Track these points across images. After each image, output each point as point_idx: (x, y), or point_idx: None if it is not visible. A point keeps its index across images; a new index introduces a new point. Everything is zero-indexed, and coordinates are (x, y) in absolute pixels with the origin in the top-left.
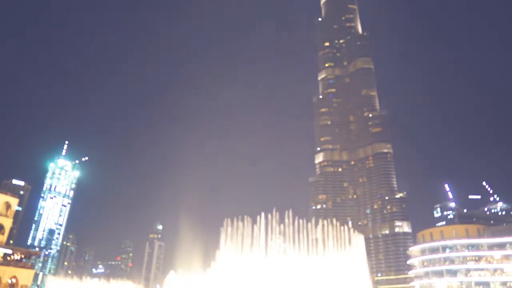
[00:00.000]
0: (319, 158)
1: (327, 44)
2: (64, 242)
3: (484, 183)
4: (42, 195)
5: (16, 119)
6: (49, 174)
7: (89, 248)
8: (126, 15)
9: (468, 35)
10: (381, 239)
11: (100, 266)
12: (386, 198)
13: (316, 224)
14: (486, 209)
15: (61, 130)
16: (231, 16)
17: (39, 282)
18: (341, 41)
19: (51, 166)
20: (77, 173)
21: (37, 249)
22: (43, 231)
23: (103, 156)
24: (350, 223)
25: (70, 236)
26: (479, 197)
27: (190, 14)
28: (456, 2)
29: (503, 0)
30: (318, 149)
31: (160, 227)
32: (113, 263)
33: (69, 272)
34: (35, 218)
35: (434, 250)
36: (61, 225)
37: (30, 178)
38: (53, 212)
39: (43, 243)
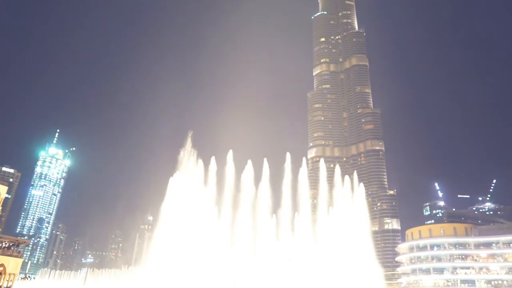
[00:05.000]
0: (311, 153)
1: (323, 39)
2: (54, 231)
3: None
4: (32, 183)
5: (7, 106)
6: (39, 162)
7: (79, 238)
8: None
9: (464, 35)
10: (370, 235)
11: (90, 255)
12: (377, 195)
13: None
14: (474, 208)
15: (53, 118)
16: (227, 7)
17: (27, 271)
18: (337, 37)
19: (42, 154)
20: (68, 162)
21: (25, 237)
22: (32, 219)
23: (95, 145)
24: None
25: (60, 225)
26: (467, 196)
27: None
28: (453, 1)
29: (498, 1)
30: (311, 144)
31: (150, 218)
32: (102, 253)
33: (58, 261)
34: (25, 206)
35: (422, 248)
36: (51, 213)
37: (20, 165)
38: (43, 200)
39: (32, 231)
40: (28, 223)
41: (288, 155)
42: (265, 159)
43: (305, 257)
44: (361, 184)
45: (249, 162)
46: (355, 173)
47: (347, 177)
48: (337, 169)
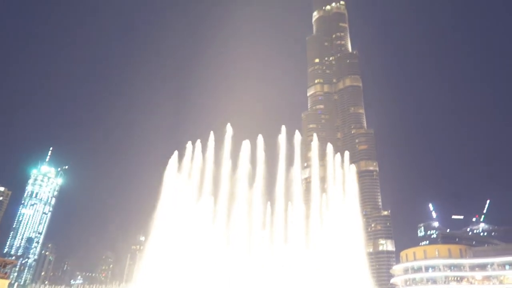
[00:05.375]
0: (305, 174)
1: (317, 60)
2: (43, 251)
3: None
4: (23, 201)
5: None
6: (31, 181)
7: (69, 258)
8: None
9: (457, 55)
10: (365, 256)
11: (79, 277)
12: (371, 215)
13: None
14: (468, 229)
15: (45, 135)
16: (222, 30)
17: None
18: (331, 58)
19: (33, 172)
20: (60, 180)
21: (13, 257)
22: (21, 239)
23: (88, 163)
24: None
25: (49, 245)
26: (461, 217)
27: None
28: (445, 22)
29: (490, 14)
30: (305, 164)
31: (142, 238)
32: (92, 274)
33: (46, 282)
34: (14, 226)
35: (416, 270)
36: (40, 233)
37: (11, 183)
38: (33, 219)
39: (20, 251)
40: (16, 243)
41: (283, 128)
42: (260, 135)
43: (298, 263)
44: (352, 165)
45: (246, 142)
46: (346, 153)
47: (338, 156)
48: (329, 147)
